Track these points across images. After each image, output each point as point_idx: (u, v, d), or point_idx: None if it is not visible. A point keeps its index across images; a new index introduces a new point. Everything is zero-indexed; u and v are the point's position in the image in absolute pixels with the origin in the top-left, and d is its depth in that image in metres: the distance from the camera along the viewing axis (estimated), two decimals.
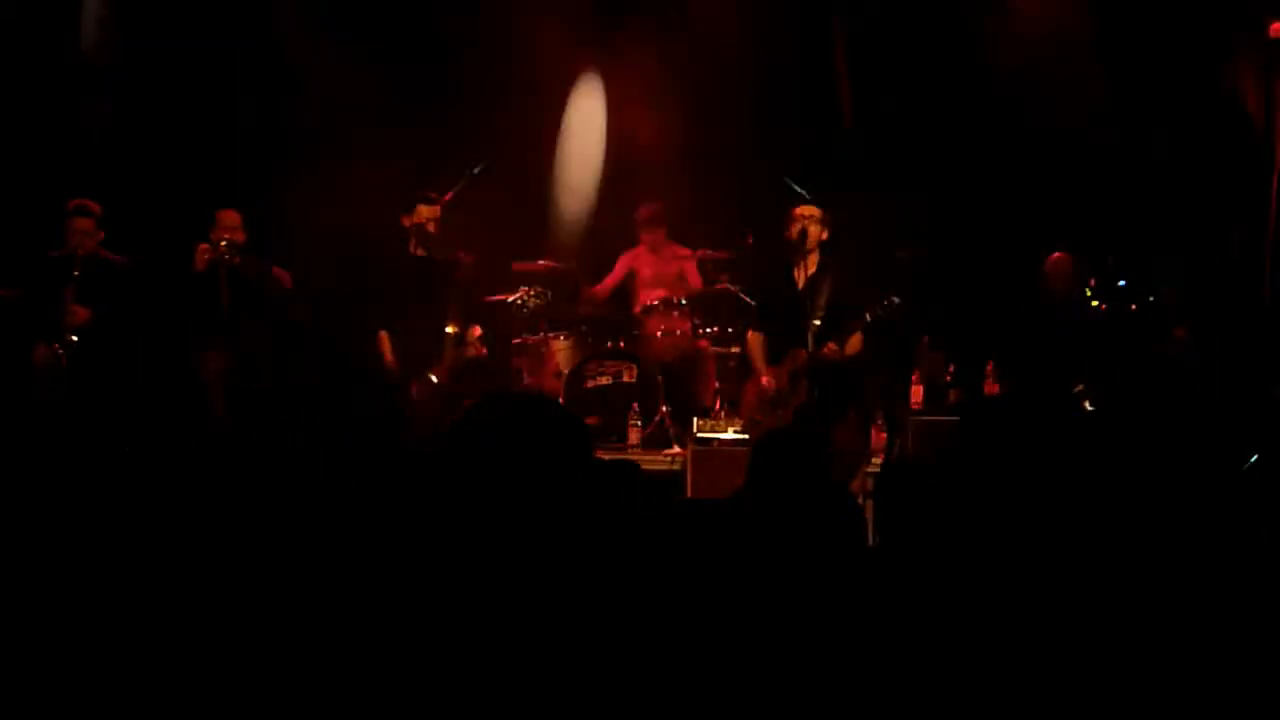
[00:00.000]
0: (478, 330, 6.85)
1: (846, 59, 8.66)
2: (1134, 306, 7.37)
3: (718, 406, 7.79)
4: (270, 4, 8.30)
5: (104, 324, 6.98)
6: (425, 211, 6.91)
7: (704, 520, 3.50)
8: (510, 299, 7.86)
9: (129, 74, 8.18)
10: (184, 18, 8.12)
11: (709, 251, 8.37)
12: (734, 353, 7.91)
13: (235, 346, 7.01)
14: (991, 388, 7.73)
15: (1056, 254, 7.68)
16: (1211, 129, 7.82)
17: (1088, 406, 6.93)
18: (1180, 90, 7.90)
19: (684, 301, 8.11)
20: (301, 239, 7.65)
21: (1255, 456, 5.09)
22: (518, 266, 8.16)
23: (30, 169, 7.84)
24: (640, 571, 2.47)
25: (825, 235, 6.52)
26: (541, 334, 8.16)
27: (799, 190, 7.03)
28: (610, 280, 8.55)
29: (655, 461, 7.36)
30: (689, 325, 8.08)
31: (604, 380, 7.96)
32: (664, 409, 7.82)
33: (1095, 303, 7.46)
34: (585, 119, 8.76)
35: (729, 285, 8.13)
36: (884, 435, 7.22)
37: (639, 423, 7.75)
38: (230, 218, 7.18)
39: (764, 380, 6.55)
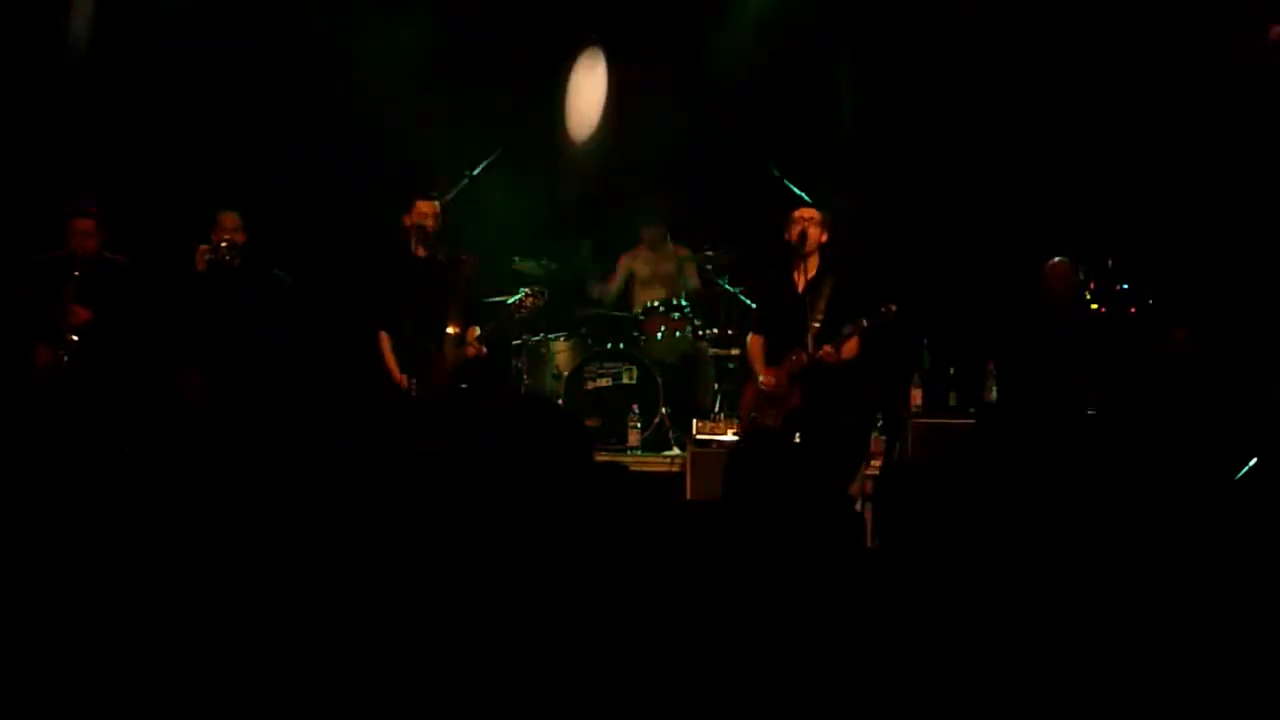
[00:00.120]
0: (477, 330, 6.83)
1: (846, 60, 8.66)
2: (1133, 310, 7.36)
3: (717, 408, 7.79)
4: (270, 4, 8.30)
5: (104, 324, 6.97)
6: (424, 208, 6.89)
7: (702, 522, 3.50)
8: (510, 299, 7.86)
9: (129, 74, 8.17)
10: (184, 18, 8.12)
11: (708, 252, 8.37)
12: (734, 354, 7.91)
13: (214, 364, 6.95)
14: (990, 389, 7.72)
15: (1056, 259, 7.67)
16: (1211, 129, 7.82)
17: (1088, 408, 6.92)
18: (1180, 90, 7.90)
19: (684, 303, 8.11)
20: (301, 239, 7.64)
21: (1255, 457, 5.08)
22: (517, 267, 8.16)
23: (30, 169, 7.83)
24: (638, 572, 2.47)
25: (825, 238, 6.53)
26: (541, 334, 8.16)
27: (798, 193, 7.03)
28: (613, 280, 8.59)
29: (655, 463, 7.36)
30: (689, 327, 8.08)
31: (604, 382, 7.96)
32: (664, 410, 7.82)
33: (1095, 305, 7.45)
34: (585, 115, 8.75)
35: (729, 286, 8.13)
36: (883, 438, 7.22)
37: (639, 424, 7.75)
38: (231, 219, 7.17)
39: (764, 382, 6.55)
